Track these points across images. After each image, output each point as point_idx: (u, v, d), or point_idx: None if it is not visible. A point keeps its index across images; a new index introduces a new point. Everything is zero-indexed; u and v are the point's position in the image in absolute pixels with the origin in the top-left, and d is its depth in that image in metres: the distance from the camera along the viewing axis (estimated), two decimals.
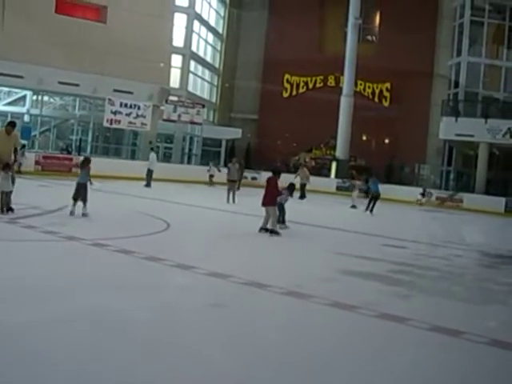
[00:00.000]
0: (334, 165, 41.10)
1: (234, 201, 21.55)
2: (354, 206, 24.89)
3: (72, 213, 13.46)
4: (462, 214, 30.42)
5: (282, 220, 14.93)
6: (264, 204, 14.00)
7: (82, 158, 15.85)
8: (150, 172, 26.82)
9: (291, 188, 15.99)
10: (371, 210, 22.48)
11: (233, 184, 22.38)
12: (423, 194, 24.60)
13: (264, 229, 13.87)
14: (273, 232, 13.71)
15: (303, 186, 28.66)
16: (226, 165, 32.59)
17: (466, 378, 5.54)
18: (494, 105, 39.54)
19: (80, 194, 13.69)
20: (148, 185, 26.24)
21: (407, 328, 6.87)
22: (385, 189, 34.43)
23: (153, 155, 28.24)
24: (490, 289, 10.06)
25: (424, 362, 5.83)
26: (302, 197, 28.02)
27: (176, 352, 5.32)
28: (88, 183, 13.99)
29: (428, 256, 13.15)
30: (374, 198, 22.84)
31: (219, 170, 32.39)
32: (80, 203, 13.66)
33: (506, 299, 9.27)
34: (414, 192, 33.76)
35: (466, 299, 8.96)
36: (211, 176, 32.40)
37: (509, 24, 40.73)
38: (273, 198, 13.99)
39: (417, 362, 5.82)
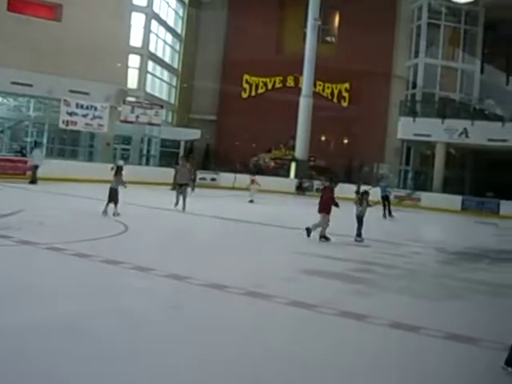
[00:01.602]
0: (293, 165, 41.10)
1: (183, 207, 19.02)
2: (251, 201, 25.59)
3: (105, 213, 15.45)
4: (420, 212, 30.78)
5: (358, 233, 14.78)
6: (320, 211, 14.29)
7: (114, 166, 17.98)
8: (35, 168, 25.98)
9: (365, 197, 15.69)
10: (390, 214, 23.76)
11: (182, 188, 19.70)
12: (357, 192, 24.18)
13: (323, 237, 14.11)
14: (321, 236, 14.09)
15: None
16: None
17: (426, 372, 5.57)
18: (451, 105, 40.15)
19: (112, 197, 15.83)
20: (33, 181, 25.48)
21: (367, 325, 6.88)
22: (344, 188, 34.74)
23: (36, 151, 27.52)
24: (447, 285, 10.16)
25: (384, 357, 5.85)
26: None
27: (134, 357, 5.24)
28: (119, 188, 16.24)
29: (388, 254, 13.24)
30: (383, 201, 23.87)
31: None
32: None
33: (463, 294, 9.37)
34: (374, 191, 33.94)
35: (425, 295, 9.02)
36: None
37: (464, 27, 41.51)
38: (328, 206, 14.22)
39: (377, 358, 5.82)
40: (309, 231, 14.23)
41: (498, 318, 7.95)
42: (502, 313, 8.23)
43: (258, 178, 28.35)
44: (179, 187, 19.95)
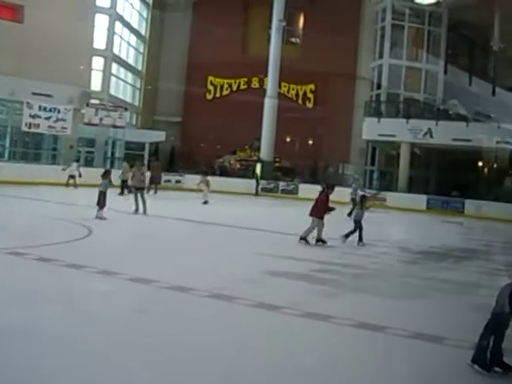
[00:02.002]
0: (258, 166, 41.09)
1: (144, 212, 18.48)
2: (205, 202, 25.40)
3: (97, 218, 15.61)
4: (386, 212, 30.97)
5: (360, 238, 14.65)
6: (311, 215, 14.18)
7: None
8: None
9: (364, 201, 15.71)
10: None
11: (139, 191, 19.03)
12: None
13: (303, 238, 13.99)
14: (318, 241, 13.96)
15: (124, 181, 27.12)
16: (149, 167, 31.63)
17: (393, 371, 5.57)
18: (415, 105, 40.58)
19: (101, 201, 15.96)
20: None
21: (333, 326, 6.85)
22: (310, 189, 34.90)
23: None
24: (413, 284, 10.22)
25: (350, 357, 5.83)
26: (122, 193, 26.99)
27: (99, 363, 5.15)
28: (107, 191, 16.40)
29: (353, 254, 13.25)
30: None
31: (80, 175, 28.55)
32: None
33: (429, 293, 9.41)
34: (339, 192, 34.08)
35: (390, 295, 9.05)
36: (71, 177, 28.80)
37: (428, 28, 42.02)
38: (320, 211, 14.12)
39: (343, 359, 5.80)
40: (304, 239, 14.01)
41: (463, 316, 8.00)
42: (468, 311, 8.27)
43: (209, 178, 28.07)
44: (136, 191, 19.26)
